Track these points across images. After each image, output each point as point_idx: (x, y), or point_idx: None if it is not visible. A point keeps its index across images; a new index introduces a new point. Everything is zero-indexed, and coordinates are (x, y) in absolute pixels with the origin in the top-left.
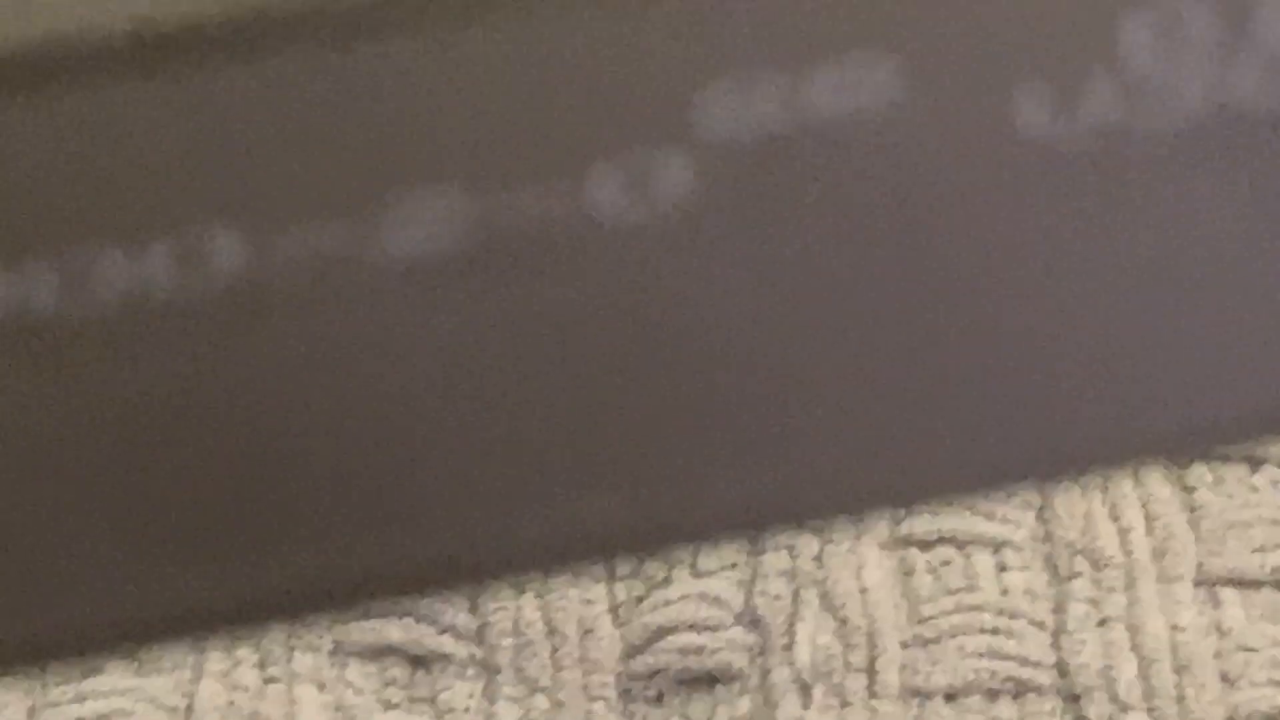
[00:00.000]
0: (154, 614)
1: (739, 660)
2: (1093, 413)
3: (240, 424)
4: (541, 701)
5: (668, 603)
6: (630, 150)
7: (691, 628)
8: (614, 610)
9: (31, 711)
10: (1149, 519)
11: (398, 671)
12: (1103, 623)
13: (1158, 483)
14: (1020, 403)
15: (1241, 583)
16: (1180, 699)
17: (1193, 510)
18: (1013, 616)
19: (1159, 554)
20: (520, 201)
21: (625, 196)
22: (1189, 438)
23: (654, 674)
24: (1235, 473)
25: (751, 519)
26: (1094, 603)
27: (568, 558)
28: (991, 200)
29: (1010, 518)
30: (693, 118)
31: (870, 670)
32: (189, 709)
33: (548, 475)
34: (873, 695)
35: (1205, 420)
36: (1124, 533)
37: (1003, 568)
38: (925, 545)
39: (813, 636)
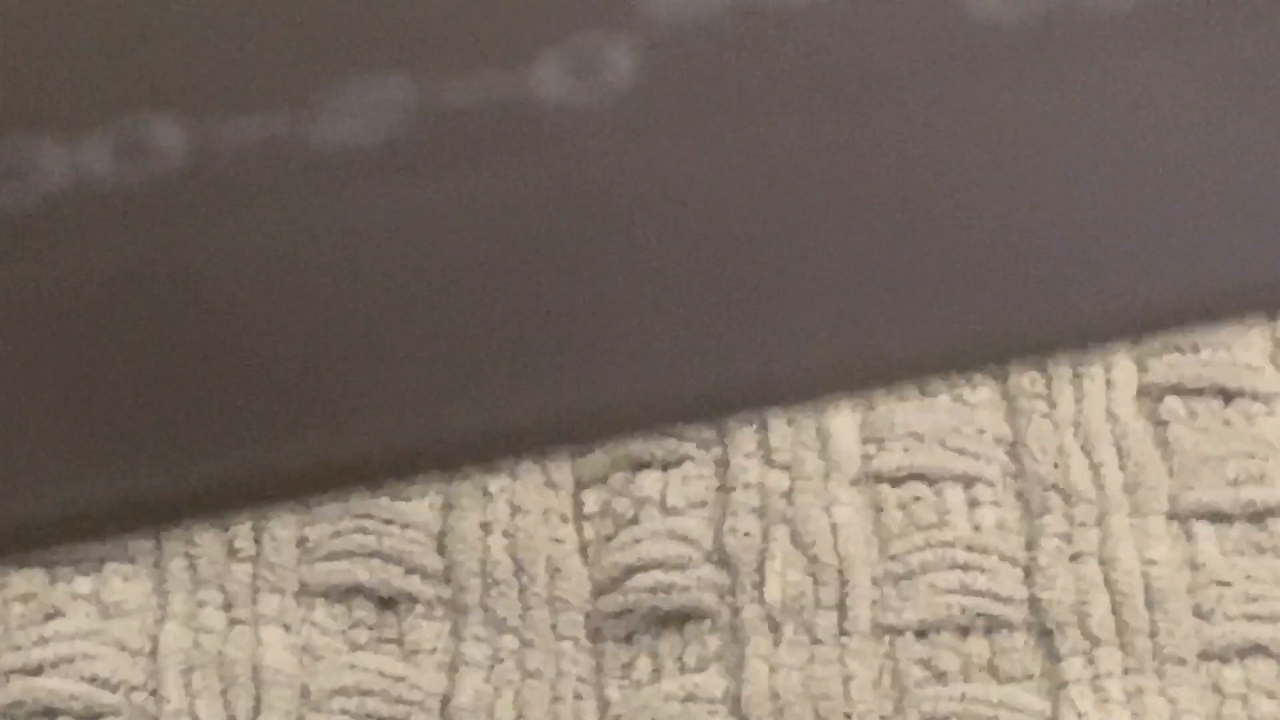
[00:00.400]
0: (106, 508)
1: (709, 598)
2: (1050, 292)
3: (182, 316)
4: (510, 641)
5: (637, 541)
6: (575, 34)
7: (661, 566)
8: (583, 549)
9: None
10: (1121, 453)
11: (364, 612)
12: (1075, 558)
13: (1130, 416)
14: (976, 283)
15: (1215, 516)
16: (1153, 634)
17: (1165, 444)
18: (984, 552)
19: (1131, 488)
20: (464, 88)
21: (571, 81)
22: (1148, 318)
23: (623, 613)
24: (1208, 406)
25: (713, 405)
26: (1066, 538)
27: (523, 448)
28: (942, 82)
29: (981, 453)
30: (639, 2)
31: (841, 607)
32: (153, 651)
33: (499, 365)
34: (843, 633)
35: (1163, 301)
36: (1096, 467)
37: (974, 503)
38: (896, 481)
39: (783, 574)
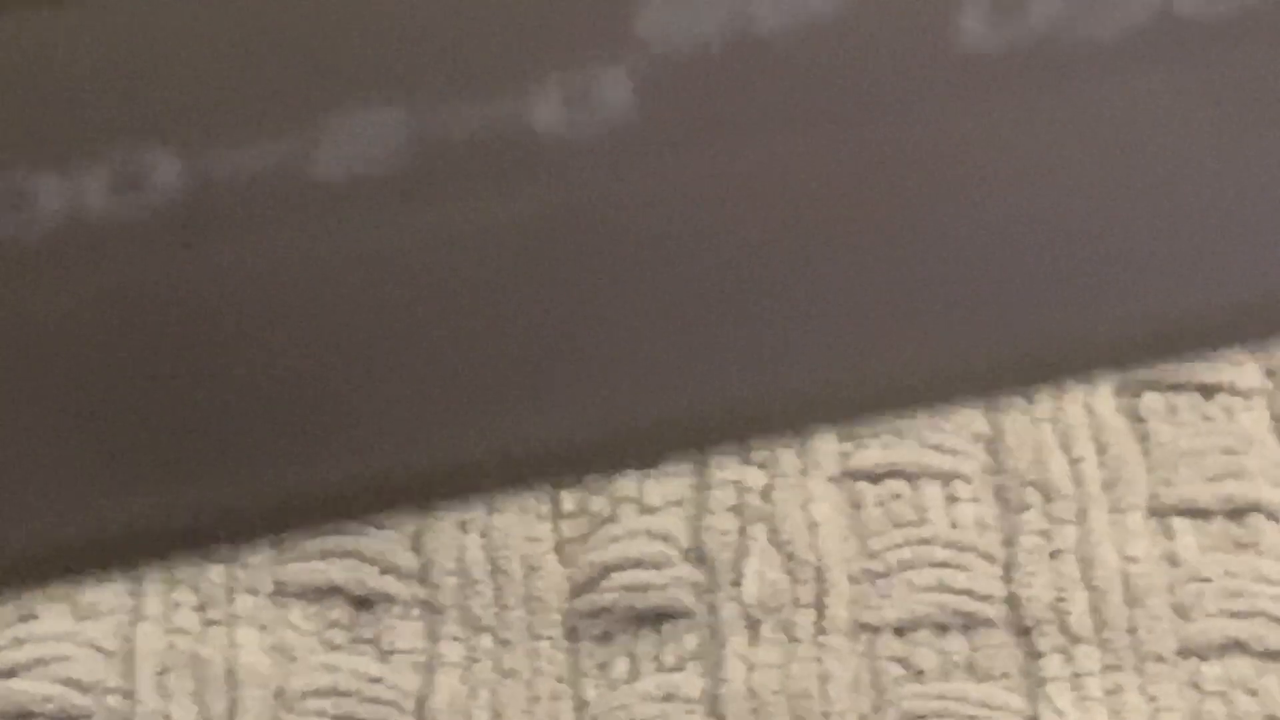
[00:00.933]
0: (95, 542)
1: (686, 597)
2: (1040, 320)
3: (179, 346)
4: (486, 641)
5: (614, 540)
6: (572, 66)
7: (638, 565)
8: (559, 548)
9: None
10: (1100, 449)
11: (340, 613)
12: (1054, 555)
13: (1109, 412)
14: (969, 312)
15: (1194, 513)
16: (1132, 631)
17: (1145, 440)
18: (962, 550)
19: (1111, 484)
20: (461, 119)
21: (567, 111)
22: (1141, 345)
23: (600, 612)
24: (1188, 401)
25: (699, 438)
26: (1045, 535)
27: (513, 480)
28: (933, 110)
29: (960, 449)
30: (635, 32)
31: (819, 606)
32: (128, 652)
33: (492, 395)
34: (821, 631)
35: (1156, 328)
36: (1075, 463)
37: (952, 500)
38: (874, 478)
39: (760, 572)
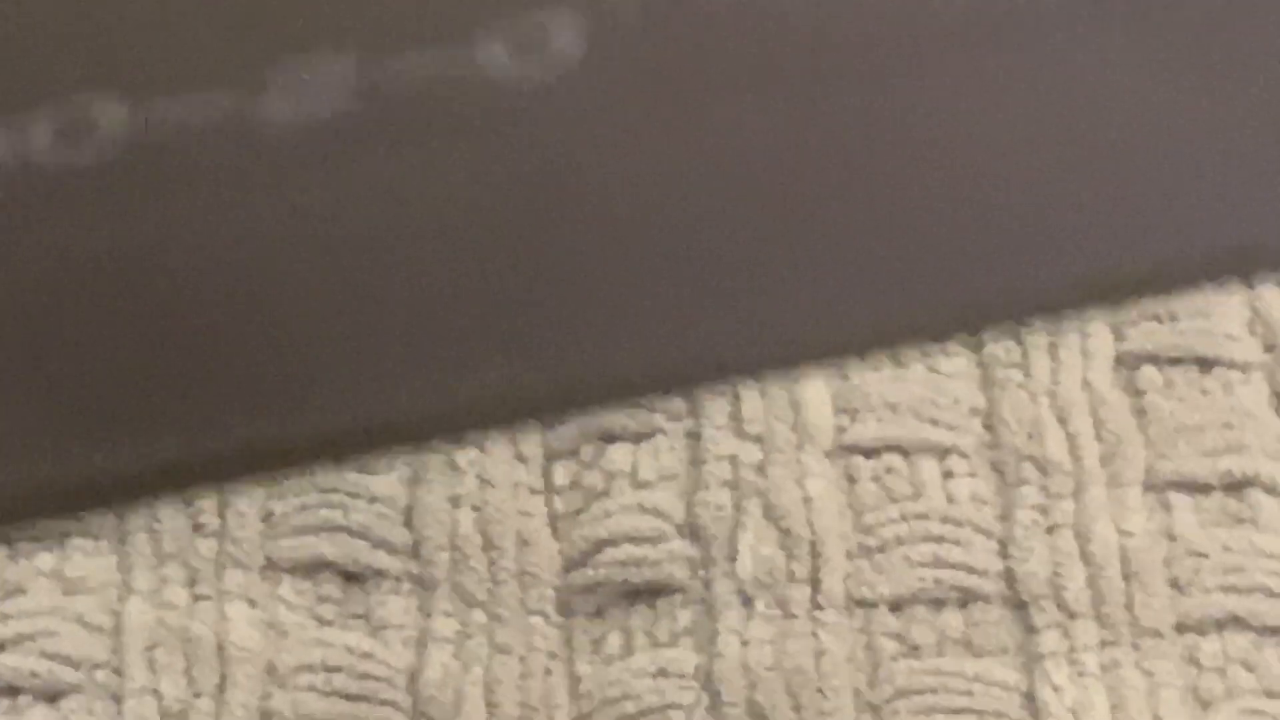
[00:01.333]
0: (73, 485)
1: (680, 572)
2: (1005, 261)
3: (132, 294)
4: (479, 616)
5: (607, 514)
6: (521, 12)
7: (632, 540)
8: (552, 523)
9: None
10: (1097, 423)
11: (331, 588)
12: (1051, 530)
13: (1106, 386)
14: (939, 255)
15: (1192, 487)
16: (1129, 606)
17: (1142, 414)
18: (959, 524)
19: (1108, 459)
20: (410, 66)
21: (517, 58)
22: (1100, 287)
23: (594, 587)
24: (1185, 375)
25: (669, 377)
26: (1042, 509)
27: (484, 421)
28: (897, 62)
29: (956, 423)
30: None
31: (814, 581)
32: (117, 628)
33: (451, 339)
34: (816, 606)
35: (1129, 268)
36: (1072, 438)
37: (949, 475)
38: (869, 453)
39: (755, 548)
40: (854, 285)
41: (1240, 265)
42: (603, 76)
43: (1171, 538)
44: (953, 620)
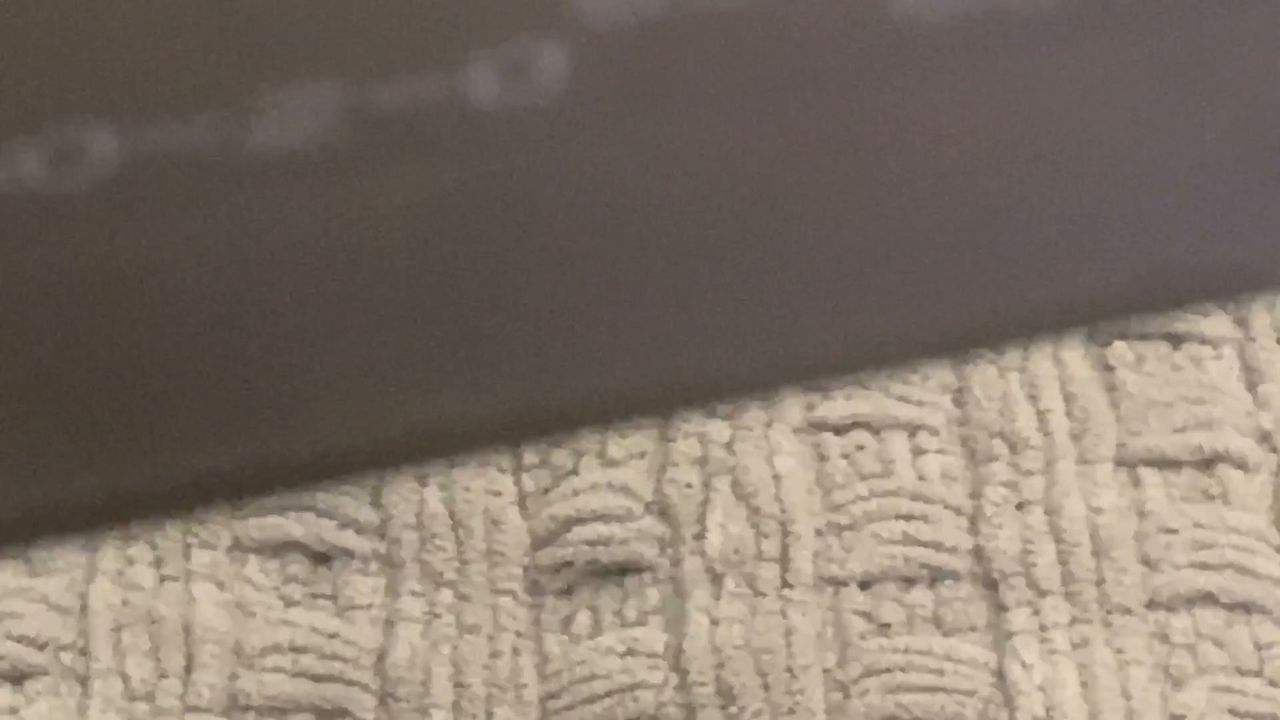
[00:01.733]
0: (44, 511)
1: (649, 551)
2: (970, 288)
3: (118, 320)
4: (446, 596)
5: (576, 493)
6: (508, 38)
7: (600, 518)
8: (521, 501)
9: None
10: (1068, 399)
11: (298, 568)
12: (1021, 506)
13: (1077, 362)
14: (913, 278)
15: (1163, 463)
16: (1100, 583)
17: (1113, 390)
18: (929, 502)
19: (1078, 435)
20: (397, 91)
21: (503, 84)
22: (1081, 309)
23: (562, 566)
24: (1156, 351)
25: (654, 402)
26: (1012, 486)
27: (467, 446)
28: (868, 81)
29: (926, 400)
30: (571, 6)
31: (783, 559)
32: (82, 609)
33: (436, 363)
34: (786, 585)
35: (1099, 292)
36: (1042, 414)
37: (919, 452)
38: (839, 430)
39: (724, 525)
40: (832, 308)
41: (1226, 287)
42: (589, 102)
43: (1142, 514)
44: (922, 598)
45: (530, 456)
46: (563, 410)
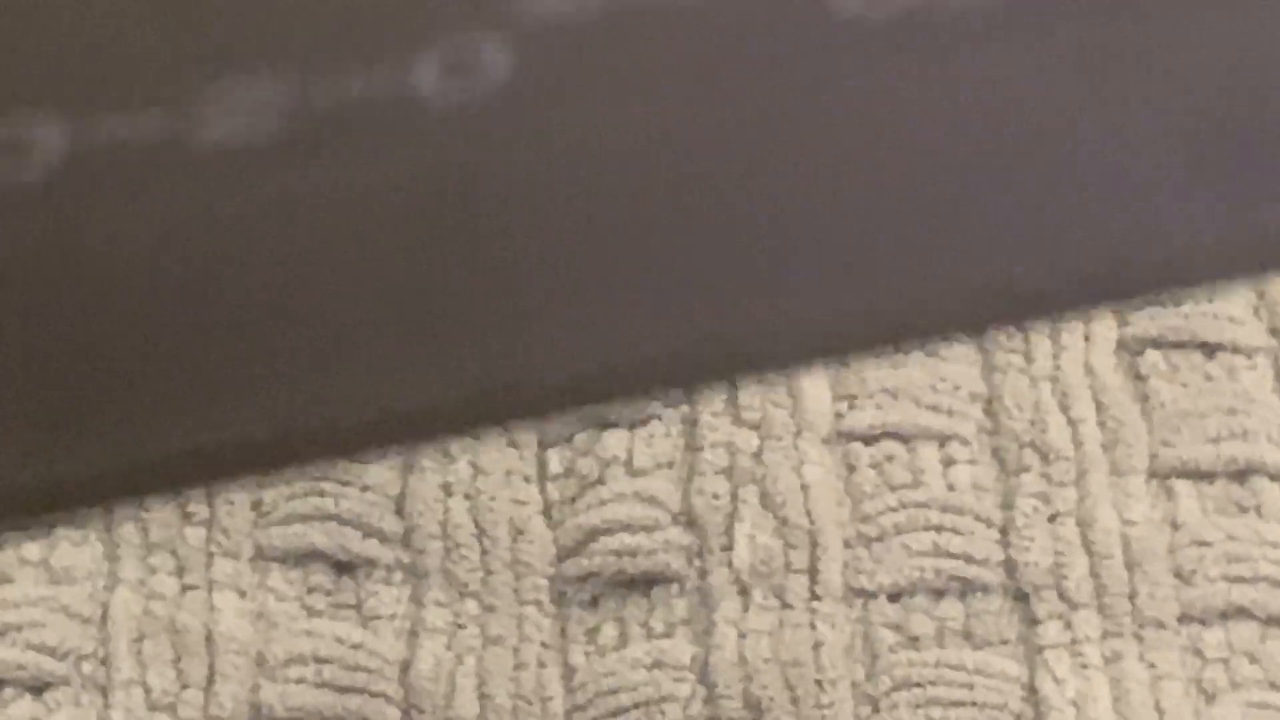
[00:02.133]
0: (37, 488)
1: (676, 561)
2: (907, 280)
3: (64, 310)
4: (471, 606)
5: (602, 502)
6: (452, 34)
7: (627, 528)
8: (546, 511)
9: None
10: (1100, 409)
11: (322, 577)
12: (1052, 518)
13: (1109, 372)
14: (850, 266)
15: (1196, 474)
16: (1132, 596)
17: (1145, 400)
18: (959, 513)
19: (1110, 446)
20: (342, 87)
21: (447, 79)
22: (1025, 300)
23: (588, 576)
24: (1189, 360)
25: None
26: (1043, 497)
27: (410, 433)
28: (807, 77)
29: (956, 410)
30: (514, 3)
31: (812, 571)
32: (104, 618)
33: (376, 353)
34: (814, 597)
35: (1015, 291)
36: (1074, 424)
37: (949, 462)
38: (868, 440)
39: (752, 536)
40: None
41: (1173, 279)
42: (531, 96)
43: (1175, 526)
44: (953, 610)
45: (555, 466)
46: (520, 396)
